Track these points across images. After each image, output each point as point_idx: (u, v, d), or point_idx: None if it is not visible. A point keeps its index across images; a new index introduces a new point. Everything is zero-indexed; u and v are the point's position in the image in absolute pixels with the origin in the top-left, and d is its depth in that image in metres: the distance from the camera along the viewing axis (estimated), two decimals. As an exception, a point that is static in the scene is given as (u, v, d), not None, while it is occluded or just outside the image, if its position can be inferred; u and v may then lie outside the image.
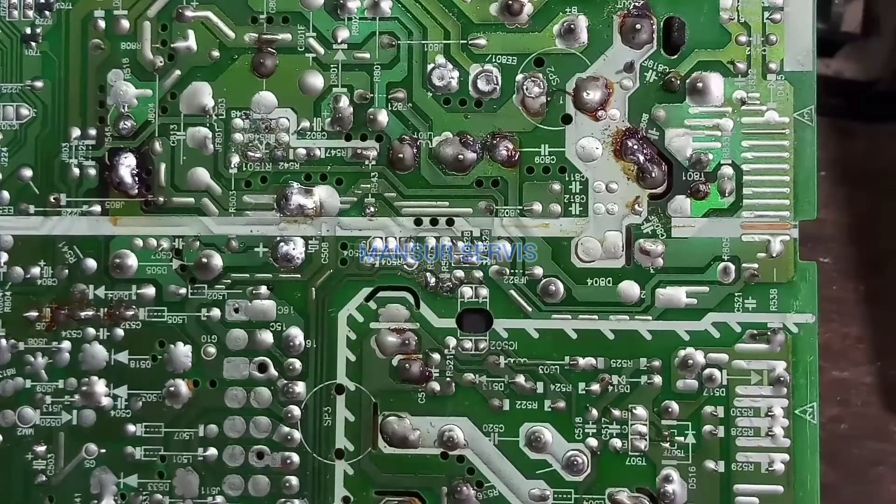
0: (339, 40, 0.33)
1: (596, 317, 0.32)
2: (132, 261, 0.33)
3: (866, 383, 0.42)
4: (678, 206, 0.32)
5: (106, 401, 0.33)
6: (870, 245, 0.43)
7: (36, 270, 0.33)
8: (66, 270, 0.33)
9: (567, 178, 0.32)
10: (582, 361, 0.32)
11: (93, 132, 0.33)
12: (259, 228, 0.33)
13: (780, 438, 0.32)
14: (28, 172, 0.34)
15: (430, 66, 0.33)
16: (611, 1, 0.32)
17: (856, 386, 0.42)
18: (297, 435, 0.33)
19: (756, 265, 0.32)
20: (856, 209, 0.43)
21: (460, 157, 0.32)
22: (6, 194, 0.34)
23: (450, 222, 0.33)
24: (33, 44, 0.34)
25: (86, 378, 0.33)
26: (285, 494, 0.33)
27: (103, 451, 0.33)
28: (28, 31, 0.34)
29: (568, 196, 0.32)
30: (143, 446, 0.33)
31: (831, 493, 0.38)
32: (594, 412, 0.32)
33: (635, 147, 0.32)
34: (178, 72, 0.33)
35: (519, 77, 0.33)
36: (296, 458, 0.33)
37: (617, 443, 0.32)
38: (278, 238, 0.33)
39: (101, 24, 0.33)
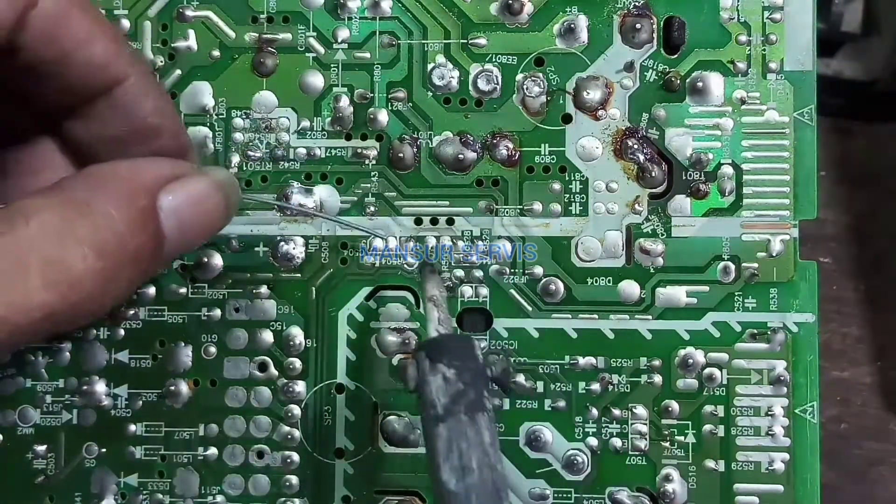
0: (340, 40, 0.33)
1: (596, 316, 0.32)
2: (132, 260, 0.33)
3: (866, 383, 0.42)
4: (678, 206, 0.32)
5: (106, 400, 0.33)
6: (870, 245, 0.43)
7: (36, 270, 0.33)
8: (67, 270, 0.33)
9: (567, 178, 0.33)
10: (582, 361, 0.32)
11: (93, 132, 0.33)
12: (259, 228, 0.33)
13: (780, 437, 0.32)
14: (28, 172, 0.33)
15: (430, 66, 0.33)
16: (611, 0, 0.32)
17: (856, 386, 0.42)
18: (298, 434, 0.33)
19: (756, 264, 0.32)
20: (856, 209, 0.43)
21: (460, 156, 0.32)
22: (7, 194, 0.34)
23: (450, 222, 0.33)
24: (34, 43, 0.34)
25: (86, 377, 0.33)
26: (285, 494, 0.33)
27: (104, 450, 0.33)
28: (29, 30, 0.34)
29: (568, 195, 0.32)
30: (144, 446, 0.33)
31: (831, 492, 0.38)
32: (594, 411, 0.32)
33: (635, 146, 0.32)
34: (178, 71, 0.33)
35: (519, 76, 0.33)
36: (296, 457, 0.33)
37: (617, 442, 0.32)
38: (278, 237, 0.33)
39: (102, 23, 0.33)
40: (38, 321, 0.23)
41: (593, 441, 0.32)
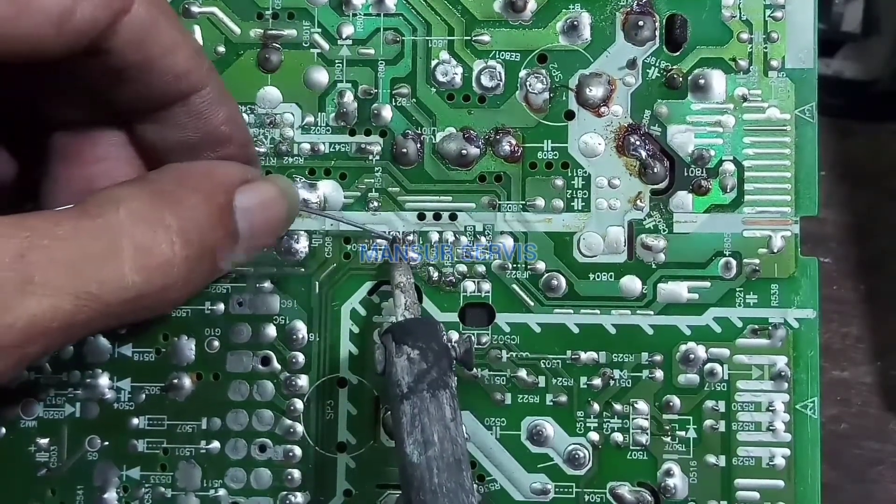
0: (344, 36, 0.33)
1: (598, 311, 0.32)
2: (136, 254, 0.33)
3: (866, 383, 0.42)
4: (680, 202, 0.32)
5: (109, 393, 0.33)
6: (870, 245, 0.43)
7: (41, 263, 0.33)
8: (71, 263, 0.33)
9: (569, 174, 0.33)
10: (584, 356, 0.32)
11: (98, 126, 0.34)
12: (263, 222, 0.33)
13: (780, 433, 0.32)
14: (34, 166, 0.34)
15: (433, 62, 0.33)
16: (613, -2, 0.33)
17: (856, 386, 0.42)
18: (300, 428, 0.33)
19: (757, 260, 0.32)
20: (856, 209, 0.43)
21: (463, 152, 0.33)
22: (11, 188, 0.34)
23: (453, 217, 0.33)
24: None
25: (89, 371, 0.33)
26: (287, 487, 0.33)
27: (106, 443, 0.33)
28: (35, 25, 0.34)
29: (570, 191, 0.33)
30: (146, 439, 0.33)
31: (831, 492, 0.38)
32: (596, 406, 0.32)
33: (637, 143, 0.33)
34: (183, 66, 0.33)
35: (522, 73, 0.33)
36: (298, 451, 0.33)
37: (618, 437, 0.32)
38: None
39: (108, 19, 0.34)
40: (128, 303, 0.23)
41: (595, 436, 0.32)
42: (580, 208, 0.33)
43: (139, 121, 0.28)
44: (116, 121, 0.28)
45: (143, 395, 0.33)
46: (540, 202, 0.33)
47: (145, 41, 0.26)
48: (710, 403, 0.32)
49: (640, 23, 0.32)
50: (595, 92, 0.33)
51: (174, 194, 0.25)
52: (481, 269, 0.33)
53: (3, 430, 0.33)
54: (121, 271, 0.23)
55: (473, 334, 0.33)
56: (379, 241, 0.33)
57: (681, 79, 0.32)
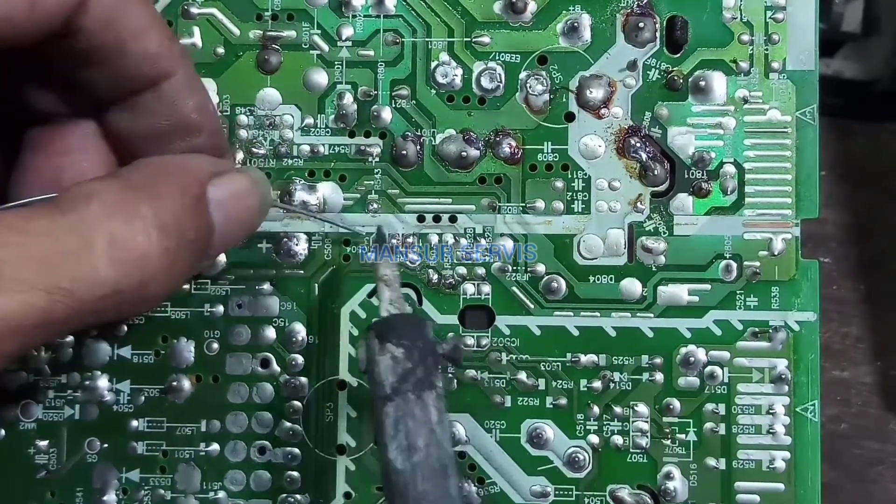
0: (344, 37, 0.33)
1: (598, 314, 0.32)
2: (136, 256, 0.33)
3: (866, 383, 0.42)
4: (680, 204, 0.32)
5: (109, 396, 0.33)
6: (870, 245, 0.43)
7: (39, 265, 0.33)
8: (70, 265, 0.33)
9: (570, 176, 0.33)
10: (584, 358, 0.32)
11: (97, 128, 0.33)
12: (262, 224, 0.33)
13: (781, 436, 0.32)
14: (32, 167, 0.33)
15: (433, 64, 0.33)
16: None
17: (856, 386, 0.42)
18: (299, 430, 0.33)
19: (758, 263, 0.32)
20: (856, 209, 0.43)
21: (463, 154, 0.33)
22: (10, 190, 0.34)
23: (452, 219, 0.33)
24: (38, 39, 0.34)
25: (89, 373, 0.33)
26: (287, 490, 0.33)
27: (105, 445, 0.33)
28: (33, 26, 0.34)
29: (570, 193, 0.33)
30: (146, 441, 0.33)
31: (831, 492, 0.38)
32: (596, 409, 0.32)
33: (638, 145, 0.32)
34: (182, 68, 0.33)
35: (522, 75, 0.33)
36: (297, 453, 0.33)
37: (618, 440, 0.32)
38: (282, 234, 0.33)
39: (106, 20, 0.33)
40: (104, 298, 0.23)
41: (595, 438, 0.32)
42: (580, 210, 0.33)
43: (110, 108, 0.28)
44: (87, 110, 0.28)
45: (143, 398, 0.33)
46: (540, 204, 0.33)
47: (115, 21, 0.25)
48: (710, 406, 0.32)
49: (641, 24, 0.32)
50: (595, 94, 0.32)
51: (148, 187, 0.25)
52: (481, 271, 0.33)
53: (3, 431, 0.33)
54: (94, 265, 0.23)
55: (473, 336, 0.33)
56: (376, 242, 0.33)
57: (681, 80, 0.32)
